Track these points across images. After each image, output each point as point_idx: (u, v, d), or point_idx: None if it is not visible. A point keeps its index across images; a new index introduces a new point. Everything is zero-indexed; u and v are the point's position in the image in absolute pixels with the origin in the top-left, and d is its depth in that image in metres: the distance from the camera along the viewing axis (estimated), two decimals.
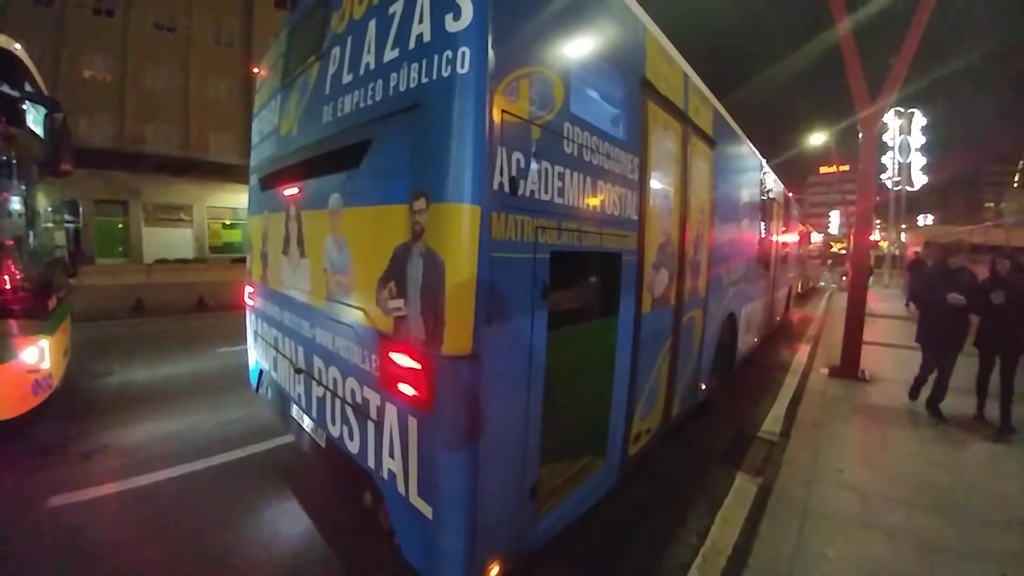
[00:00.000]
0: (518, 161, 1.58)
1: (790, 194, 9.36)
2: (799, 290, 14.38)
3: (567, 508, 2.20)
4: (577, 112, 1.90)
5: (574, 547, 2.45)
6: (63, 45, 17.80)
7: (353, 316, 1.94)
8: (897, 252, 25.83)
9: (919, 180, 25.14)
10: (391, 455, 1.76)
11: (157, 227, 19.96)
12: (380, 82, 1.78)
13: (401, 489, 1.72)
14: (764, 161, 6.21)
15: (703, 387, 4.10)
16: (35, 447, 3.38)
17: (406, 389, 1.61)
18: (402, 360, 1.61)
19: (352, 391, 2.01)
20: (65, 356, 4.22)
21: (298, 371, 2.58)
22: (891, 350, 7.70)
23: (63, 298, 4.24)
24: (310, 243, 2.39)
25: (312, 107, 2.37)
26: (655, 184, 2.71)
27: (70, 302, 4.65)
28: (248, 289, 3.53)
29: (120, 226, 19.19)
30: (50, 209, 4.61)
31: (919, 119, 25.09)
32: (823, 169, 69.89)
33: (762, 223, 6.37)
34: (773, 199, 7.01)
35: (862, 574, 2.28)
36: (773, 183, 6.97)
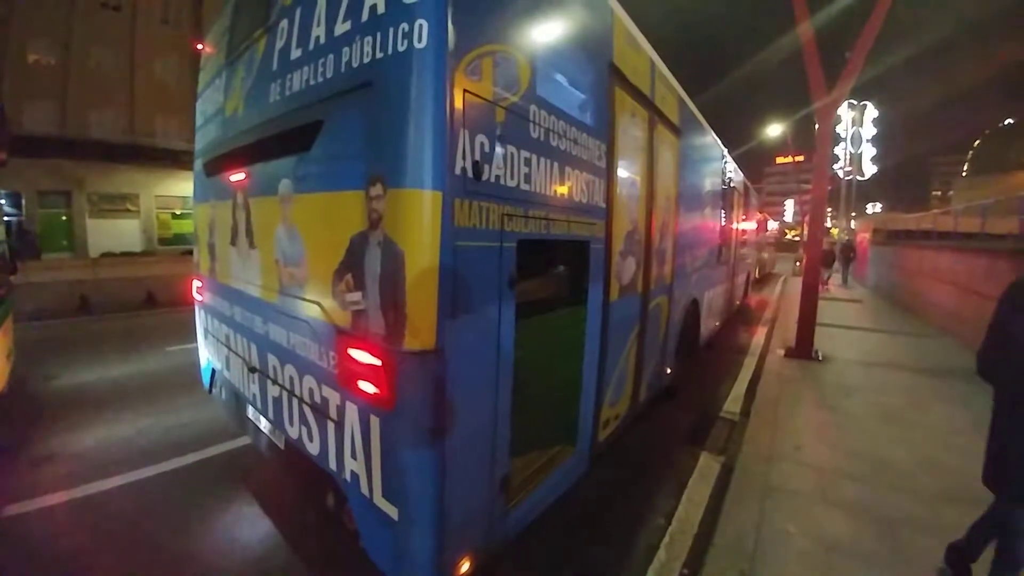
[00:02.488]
0: (482, 144, 1.50)
1: (749, 184, 9.65)
2: (756, 275, 14.97)
3: (539, 497, 2.19)
4: (544, 95, 1.83)
5: (546, 534, 2.45)
6: (8, 29, 16.18)
7: (308, 311, 1.83)
8: (846, 238, 27.30)
9: (869, 170, 26.56)
10: (353, 456, 1.68)
11: (102, 218, 18.63)
12: (331, 57, 1.65)
13: (365, 490, 1.65)
14: (726, 151, 6.35)
15: (668, 372, 4.18)
16: None
17: (366, 387, 1.53)
18: (361, 356, 1.53)
19: (310, 390, 1.90)
20: (8, 359, 3.88)
21: (252, 370, 2.43)
22: (843, 331, 8.14)
23: (3, 296, 3.88)
24: (260, 233, 2.24)
25: (259, 85, 2.19)
26: (622, 172, 2.69)
27: (11, 301, 4.28)
28: (196, 283, 3.30)
29: (64, 218, 17.81)
30: None
31: (871, 111, 26.41)
32: (779, 159, 72.88)
33: (724, 211, 6.53)
34: (735, 188, 7.21)
35: (823, 548, 2.37)
36: (734, 172, 7.15)
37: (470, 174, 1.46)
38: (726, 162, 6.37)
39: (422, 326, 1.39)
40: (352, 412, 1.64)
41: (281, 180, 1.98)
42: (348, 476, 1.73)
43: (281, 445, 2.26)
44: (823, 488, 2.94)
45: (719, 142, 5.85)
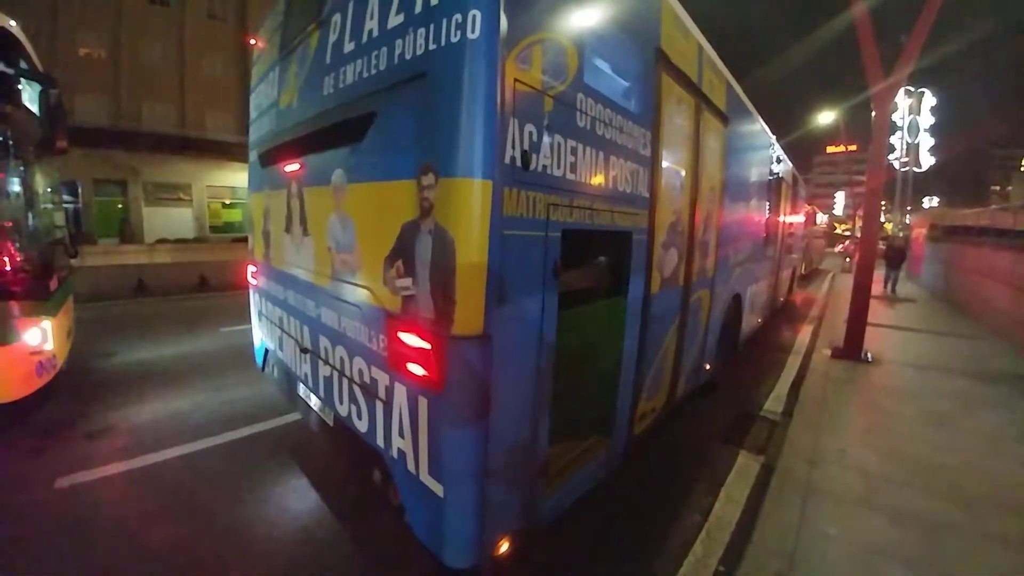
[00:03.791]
0: (530, 134, 1.52)
1: (798, 174, 9.20)
2: (803, 271, 14.31)
3: (574, 486, 2.22)
4: (590, 83, 1.82)
5: (580, 523, 2.48)
6: (58, 22, 17.34)
7: (360, 295, 1.91)
8: (902, 234, 25.60)
9: (927, 161, 24.72)
10: (400, 434, 1.76)
11: (157, 207, 19.80)
12: (384, 50, 1.69)
13: (411, 468, 1.72)
14: (775, 139, 6.08)
15: (707, 367, 4.10)
16: (41, 428, 3.38)
17: (415, 369, 1.59)
18: (411, 340, 1.59)
19: (360, 371, 1.99)
20: (68, 337, 4.20)
21: (304, 351, 2.56)
22: (894, 332, 7.71)
23: (64, 279, 4.20)
24: (313, 221, 2.34)
25: (312, 78, 2.28)
26: (667, 161, 2.64)
27: (72, 282, 4.62)
28: (251, 268, 3.49)
29: (120, 206, 19.02)
30: (48, 189, 4.53)
31: (929, 99, 24.51)
32: (830, 149, 68.87)
33: (770, 203, 6.27)
34: (782, 178, 6.89)
35: (864, 552, 2.30)
36: (783, 162, 6.84)
37: (519, 163, 1.48)
38: (774, 151, 6.09)
39: (471, 312, 1.44)
40: (400, 393, 1.71)
41: (334, 170, 2.06)
42: (395, 453, 1.80)
43: (330, 422, 2.38)
44: (867, 492, 2.83)
45: (767, 130, 5.60)
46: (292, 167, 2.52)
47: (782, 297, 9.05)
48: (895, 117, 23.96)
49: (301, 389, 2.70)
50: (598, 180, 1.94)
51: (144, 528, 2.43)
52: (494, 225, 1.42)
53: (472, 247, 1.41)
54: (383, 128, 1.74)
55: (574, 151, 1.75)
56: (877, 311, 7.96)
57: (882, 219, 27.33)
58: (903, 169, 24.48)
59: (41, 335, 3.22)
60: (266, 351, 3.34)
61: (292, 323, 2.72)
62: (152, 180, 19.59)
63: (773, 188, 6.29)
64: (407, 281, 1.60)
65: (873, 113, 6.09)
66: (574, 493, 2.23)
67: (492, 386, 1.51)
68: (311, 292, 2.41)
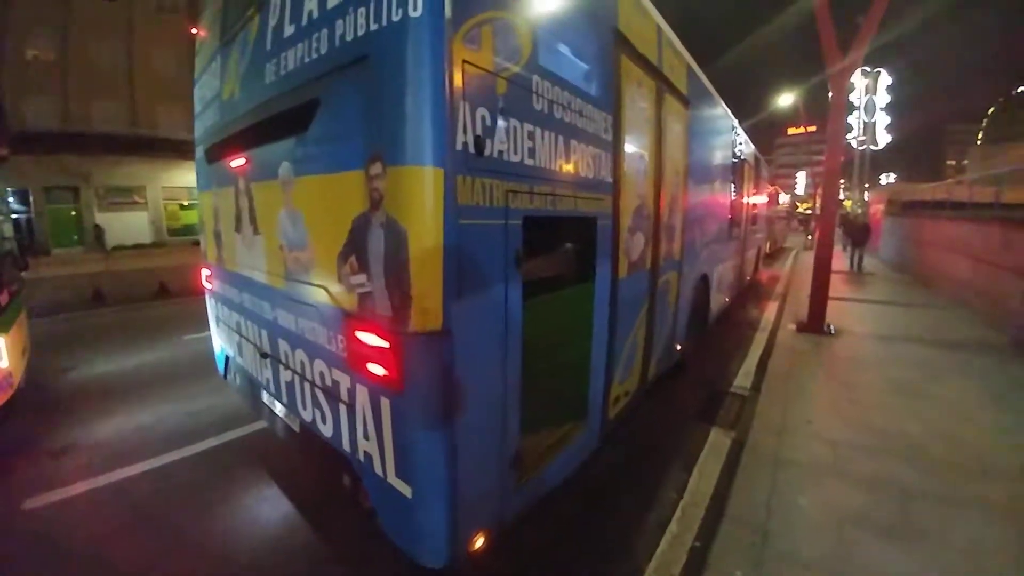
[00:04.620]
0: (483, 118, 1.46)
1: (760, 156, 9.41)
2: (767, 250, 14.75)
3: (550, 474, 2.20)
4: (546, 65, 1.77)
5: (559, 508, 2.49)
6: (6, 26, 16.11)
7: (315, 295, 1.82)
8: (860, 210, 26.67)
9: (883, 139, 25.75)
10: (365, 437, 1.69)
11: (111, 211, 18.78)
12: (325, 32, 1.59)
13: (379, 470, 1.67)
14: (737, 122, 6.17)
15: (678, 348, 4.16)
16: (2, 449, 3.23)
17: (375, 369, 1.53)
18: (369, 339, 1.52)
19: (321, 374, 1.91)
20: (24, 354, 3.95)
21: (264, 356, 2.45)
22: (856, 304, 8.03)
23: (15, 293, 3.95)
24: (263, 218, 2.22)
25: (254, 66, 2.14)
26: (630, 145, 2.62)
27: (23, 296, 4.36)
28: (205, 272, 3.32)
29: (73, 213, 17.97)
30: None
31: (885, 78, 25.46)
32: (791, 130, 70.98)
33: (734, 185, 6.39)
34: (745, 160, 7.03)
35: (835, 520, 2.37)
36: (745, 144, 6.97)
37: (472, 149, 1.42)
38: (737, 134, 6.20)
39: (428, 307, 1.38)
40: (363, 394, 1.65)
41: (281, 163, 1.95)
42: (362, 456, 1.74)
43: (296, 428, 2.29)
44: (835, 461, 2.93)
45: (729, 113, 5.69)
46: (238, 162, 2.39)
47: (748, 276, 9.31)
48: (852, 97, 24.83)
49: (264, 396, 2.59)
50: (559, 165, 1.89)
51: (116, 546, 2.37)
52: (448, 215, 1.36)
53: (426, 239, 1.35)
54: (328, 116, 1.64)
55: (532, 136, 1.69)
56: (839, 285, 8.29)
57: (841, 197, 28.44)
58: (861, 148, 25.46)
59: None
60: (227, 358, 3.20)
61: (250, 328, 2.59)
62: (105, 184, 18.57)
63: (736, 170, 6.41)
64: (361, 277, 1.53)
65: (831, 94, 6.25)
66: (551, 481, 2.22)
67: (456, 382, 1.46)
68: (266, 294, 2.29)
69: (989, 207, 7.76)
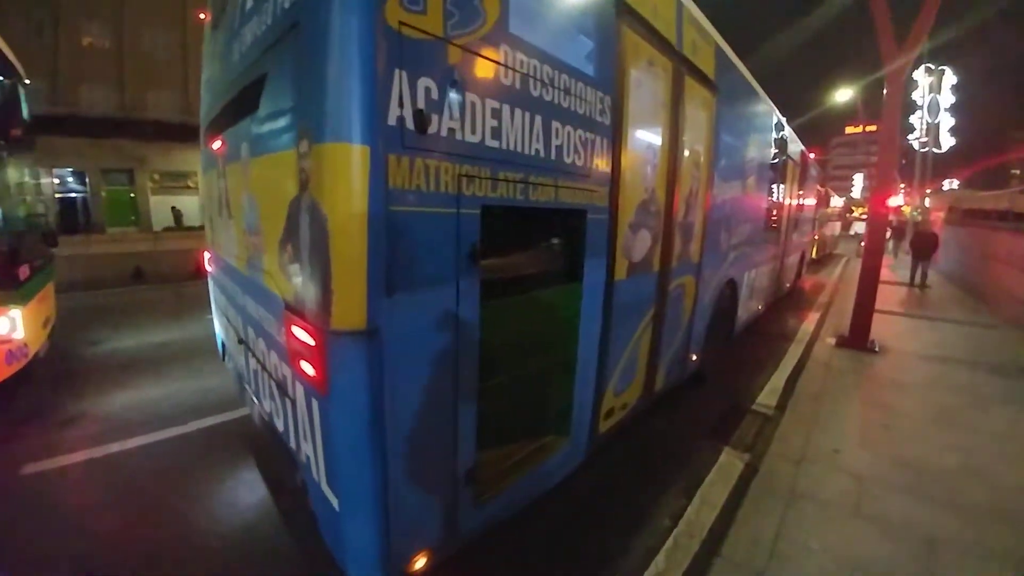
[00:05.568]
0: (427, 90, 1.26)
1: (809, 153, 8.71)
2: (814, 255, 13.79)
3: (520, 491, 2.01)
4: (520, 33, 1.54)
5: (532, 529, 2.28)
6: (61, 13, 17.29)
7: (266, 282, 1.70)
8: (920, 217, 24.57)
9: (947, 142, 23.59)
10: (305, 438, 1.56)
11: (165, 195, 19.86)
12: (271, 3, 1.46)
13: (315, 475, 1.53)
14: (779, 114, 5.67)
15: (694, 358, 3.84)
16: (14, 416, 3.37)
17: (306, 368, 1.38)
18: (301, 334, 1.38)
19: (275, 366, 1.79)
20: (46, 326, 4.16)
21: (240, 342, 2.38)
22: (905, 319, 7.31)
23: (40, 267, 4.17)
24: (233, 202, 2.13)
25: (228, 45, 2.05)
26: (635, 131, 2.35)
27: (51, 271, 4.64)
28: (206, 255, 3.32)
29: (132, 195, 19.13)
30: (19, 180, 4.47)
31: (949, 78, 23.28)
32: (849, 129, 66.49)
33: (773, 184, 5.89)
34: (787, 157, 6.48)
35: (847, 572, 2.05)
36: (788, 140, 6.42)
37: (410, 125, 1.23)
38: (778, 127, 5.69)
39: (350, 303, 1.21)
40: (300, 393, 1.52)
41: (242, 144, 1.84)
42: (304, 457, 1.62)
43: (265, 418, 2.21)
44: (859, 499, 2.57)
45: (770, 103, 5.21)
46: (216, 143, 2.31)
47: (788, 283, 8.68)
48: (915, 96, 22.88)
49: (244, 382, 2.54)
50: (534, 149, 1.67)
51: (94, 517, 2.43)
52: (376, 199, 1.18)
53: (348, 226, 1.18)
54: (272, 92, 1.51)
55: (497, 114, 1.48)
56: (888, 297, 7.58)
57: (900, 202, 26.32)
58: (923, 150, 23.44)
59: (9, 324, 3.21)
60: (223, 342, 3.19)
61: (232, 313, 2.54)
62: (159, 168, 19.65)
63: (777, 167, 5.90)
64: (295, 267, 1.38)
65: (885, 91, 5.64)
66: (521, 498, 2.03)
67: (385, 389, 1.28)
68: (238, 279, 2.21)
69: None
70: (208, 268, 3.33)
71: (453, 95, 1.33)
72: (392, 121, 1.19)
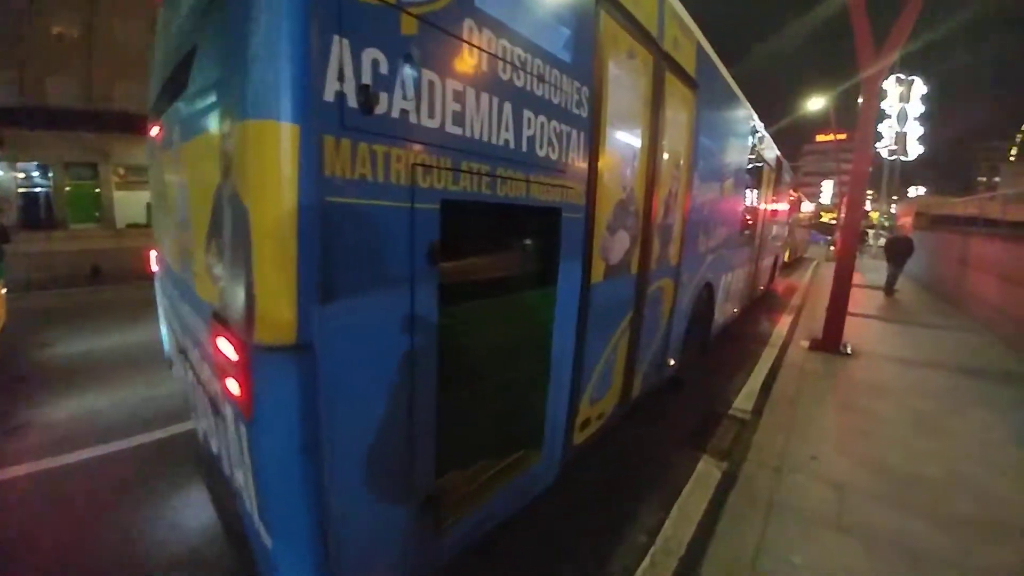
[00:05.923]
0: (376, 64, 1.09)
1: (783, 158, 8.83)
2: (786, 259, 14.08)
3: (489, 513, 1.85)
4: (488, 9, 1.38)
5: (498, 549, 2.13)
6: (35, 2, 16.32)
7: (196, 286, 1.49)
8: (887, 223, 25.53)
9: (915, 150, 24.60)
10: (236, 465, 1.36)
11: (130, 190, 18.89)
12: None
13: (248, 506, 1.33)
14: (757, 119, 5.67)
15: (672, 362, 3.75)
16: None
17: (232, 386, 1.19)
18: (225, 348, 1.18)
19: (208, 380, 1.58)
20: None
21: (180, 351, 2.15)
22: (876, 323, 7.46)
23: None
24: (168, 193, 1.90)
25: (168, 19, 1.83)
26: (613, 127, 2.22)
27: (2, 269, 4.30)
28: (152, 254, 3.04)
29: (96, 190, 18.14)
30: None
31: (919, 87, 24.31)
32: (820, 137, 68.75)
33: (751, 187, 5.90)
34: (764, 160, 6.52)
35: None
36: (765, 143, 6.45)
37: (352, 103, 1.05)
38: (756, 131, 5.70)
39: (276, 313, 1.02)
40: (230, 414, 1.31)
41: (174, 128, 1.62)
42: (236, 484, 1.42)
43: (201, 437, 1.98)
44: (840, 510, 2.50)
45: (749, 107, 5.20)
46: (155, 129, 2.08)
47: (763, 286, 8.77)
48: (884, 105, 23.78)
49: (187, 394, 2.30)
50: (503, 139, 1.51)
51: (29, 537, 2.25)
52: (307, 188, 0.99)
53: (272, 220, 0.99)
54: (200, 66, 1.31)
55: (460, 97, 1.32)
56: (859, 300, 7.72)
57: (868, 208, 27.29)
58: (891, 158, 24.38)
59: None
60: (168, 349, 2.92)
61: (172, 318, 2.30)
62: (124, 162, 18.69)
63: (754, 171, 5.92)
64: (219, 268, 1.19)
65: (861, 99, 5.71)
66: (489, 522, 1.86)
67: (320, 412, 1.10)
68: (175, 281, 1.98)
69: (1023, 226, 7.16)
70: (153, 268, 3.05)
71: (407, 72, 1.16)
72: (329, 96, 1.01)
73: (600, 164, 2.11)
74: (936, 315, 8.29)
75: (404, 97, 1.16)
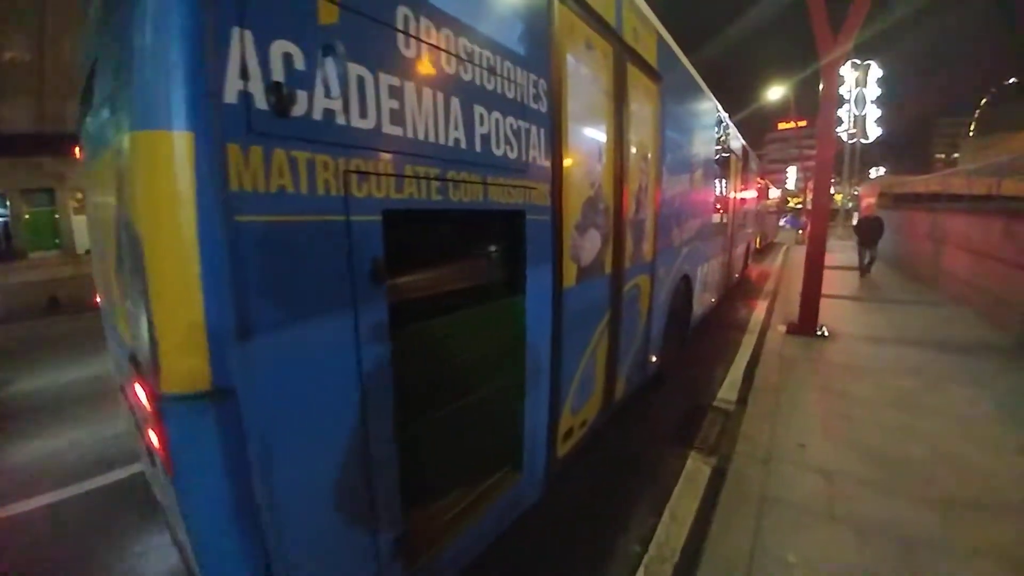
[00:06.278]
0: (289, 58, 0.95)
1: (749, 148, 8.96)
2: (758, 246, 14.36)
3: (467, 543, 1.71)
4: None
5: (481, 570, 2.00)
6: None
7: (117, 323, 1.32)
8: (851, 205, 26.43)
9: (873, 132, 25.56)
10: (174, 518, 1.20)
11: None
12: None
13: (192, 565, 1.17)
14: (722, 110, 5.70)
15: (654, 359, 3.68)
16: None
17: (153, 437, 1.03)
18: (142, 396, 1.02)
19: (141, 424, 1.41)
20: None
21: (120, 389, 1.94)
22: (848, 303, 7.60)
23: None
24: (91, 217, 1.71)
25: (81, 33, 1.64)
26: (576, 121, 2.12)
27: None
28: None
29: (55, 216, 17.27)
30: None
31: (875, 71, 25.29)
32: (781, 125, 70.83)
33: (720, 177, 5.93)
34: (731, 150, 6.57)
35: None
36: (731, 133, 6.50)
37: (262, 104, 0.91)
38: (722, 121, 5.73)
39: (183, 357, 0.87)
40: (160, 466, 1.15)
41: (86, 147, 1.45)
42: (180, 539, 1.25)
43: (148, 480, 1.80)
44: (831, 499, 2.46)
45: (713, 98, 5.21)
46: (77, 149, 1.88)
47: (737, 273, 8.88)
48: (842, 90, 24.62)
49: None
50: (453, 139, 1.39)
51: None
52: (209, 208, 0.84)
53: (166, 248, 0.84)
54: (101, 75, 1.15)
55: (398, 93, 1.19)
56: (830, 281, 7.85)
57: (831, 191, 28.27)
58: (851, 141, 25.24)
59: None
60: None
61: (110, 355, 2.09)
62: (80, 186, 17.82)
63: (722, 161, 5.94)
64: (127, 304, 1.03)
65: (821, 85, 5.79)
66: (467, 553, 1.73)
67: (253, 467, 0.95)
68: (104, 315, 1.79)
69: (989, 199, 7.35)
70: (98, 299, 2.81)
71: (330, 66, 1.02)
72: (231, 98, 0.86)
73: (565, 161, 2.01)
74: (907, 292, 8.51)
75: (328, 95, 1.02)
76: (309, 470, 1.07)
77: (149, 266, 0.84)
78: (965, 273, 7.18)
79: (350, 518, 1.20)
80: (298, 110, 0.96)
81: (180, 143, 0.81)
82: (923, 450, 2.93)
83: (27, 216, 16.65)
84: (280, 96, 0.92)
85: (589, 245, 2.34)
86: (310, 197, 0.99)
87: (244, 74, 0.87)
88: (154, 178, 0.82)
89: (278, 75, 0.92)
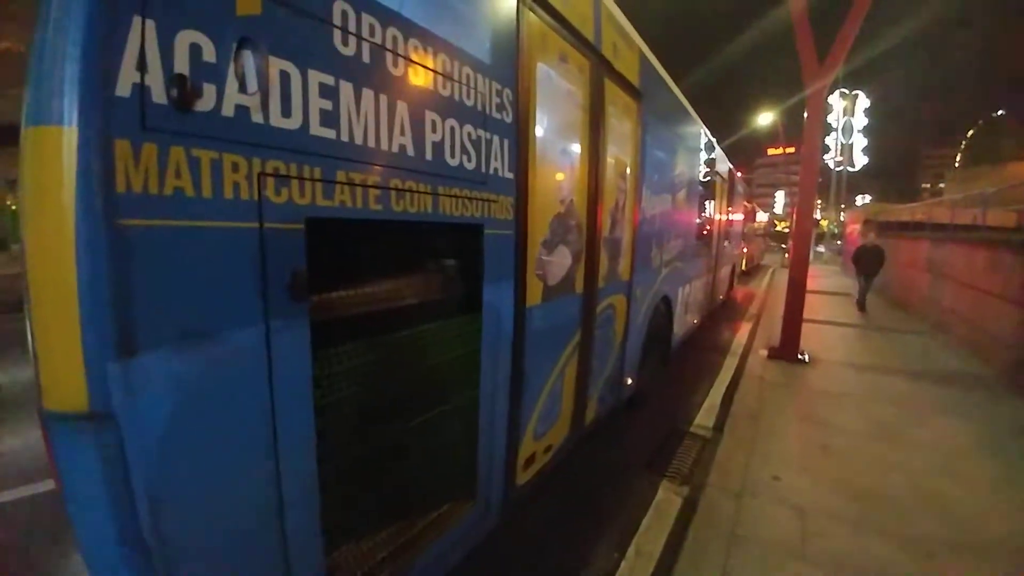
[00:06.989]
0: (196, 49, 0.84)
1: (735, 169, 9.05)
2: (743, 268, 14.47)
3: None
4: None
5: None
6: None
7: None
8: (836, 231, 26.97)
9: (860, 161, 26.22)
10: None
11: None
12: None
13: None
14: (708, 132, 5.72)
15: (630, 381, 3.58)
16: None
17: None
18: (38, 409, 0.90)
19: None
20: None
21: None
22: (831, 328, 7.61)
23: None
24: None
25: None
26: (546, 135, 2.04)
27: None
28: None
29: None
30: None
31: (863, 101, 26.05)
32: (770, 151, 72.46)
33: (704, 198, 5.92)
34: (717, 172, 6.59)
35: None
36: (717, 155, 6.53)
37: (160, 98, 0.80)
38: (708, 143, 5.74)
39: (60, 372, 0.78)
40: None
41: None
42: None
43: None
44: (804, 537, 2.35)
45: (699, 121, 5.22)
46: None
47: (722, 295, 8.88)
48: (830, 119, 25.30)
49: None
50: (397, 145, 1.29)
51: None
52: (89, 209, 0.74)
53: (43, 252, 0.76)
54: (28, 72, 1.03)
55: (331, 93, 1.09)
56: (813, 306, 7.87)
57: (817, 216, 28.83)
58: (837, 168, 25.86)
59: None
60: None
61: None
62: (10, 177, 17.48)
63: (707, 183, 5.95)
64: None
65: (806, 112, 5.87)
66: None
67: (138, 498, 0.82)
68: None
69: (973, 229, 7.45)
70: None
71: (247, 60, 0.92)
72: (124, 91, 0.76)
73: (532, 176, 1.92)
74: (889, 319, 8.56)
75: (243, 90, 0.92)
76: (207, 508, 0.94)
77: (29, 272, 0.77)
78: (949, 302, 7.22)
79: (256, 560, 1.06)
80: (204, 105, 0.86)
81: (64, 139, 0.73)
82: (902, 487, 2.84)
83: (13, 207, 16.27)
84: (184, 90, 0.82)
85: (558, 262, 2.24)
86: (215, 200, 0.88)
87: (141, 65, 0.77)
88: (36, 177, 0.75)
89: (182, 67, 0.82)
